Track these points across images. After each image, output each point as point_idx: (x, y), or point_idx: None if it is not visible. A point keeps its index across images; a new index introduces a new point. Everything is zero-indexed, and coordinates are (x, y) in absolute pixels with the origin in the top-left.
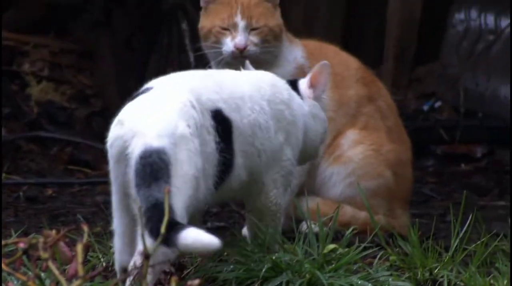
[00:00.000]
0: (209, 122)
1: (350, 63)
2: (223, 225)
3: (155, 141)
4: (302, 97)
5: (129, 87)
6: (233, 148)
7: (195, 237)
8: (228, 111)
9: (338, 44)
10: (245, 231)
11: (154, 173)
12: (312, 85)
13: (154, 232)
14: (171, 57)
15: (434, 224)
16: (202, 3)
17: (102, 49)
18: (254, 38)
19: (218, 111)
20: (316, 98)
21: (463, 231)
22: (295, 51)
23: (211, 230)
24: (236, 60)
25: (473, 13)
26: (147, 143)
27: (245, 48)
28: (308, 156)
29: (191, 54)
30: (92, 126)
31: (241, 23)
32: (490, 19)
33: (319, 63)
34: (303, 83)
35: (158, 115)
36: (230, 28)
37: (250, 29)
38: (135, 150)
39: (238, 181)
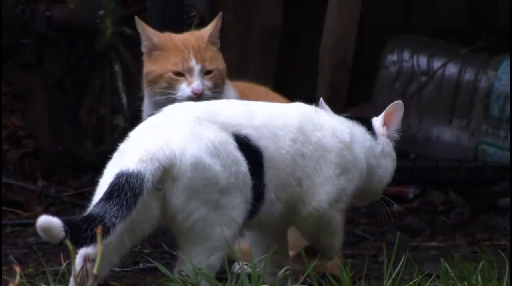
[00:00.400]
0: (233, 144)
1: (280, 102)
2: (155, 266)
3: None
4: (376, 136)
5: (61, 129)
6: (263, 177)
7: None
8: (257, 139)
9: (270, 86)
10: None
11: (112, 192)
12: (385, 123)
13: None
14: (104, 99)
15: (366, 264)
16: (144, 49)
17: (35, 91)
18: (208, 83)
19: (242, 137)
20: (390, 136)
21: (395, 272)
22: (228, 92)
23: (144, 271)
24: None
25: (406, 55)
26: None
27: (202, 93)
28: (373, 195)
29: (123, 96)
30: (24, 167)
31: (196, 67)
32: (423, 61)
33: (393, 102)
34: (376, 121)
35: (147, 139)
36: (185, 72)
37: (204, 73)
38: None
39: (270, 214)
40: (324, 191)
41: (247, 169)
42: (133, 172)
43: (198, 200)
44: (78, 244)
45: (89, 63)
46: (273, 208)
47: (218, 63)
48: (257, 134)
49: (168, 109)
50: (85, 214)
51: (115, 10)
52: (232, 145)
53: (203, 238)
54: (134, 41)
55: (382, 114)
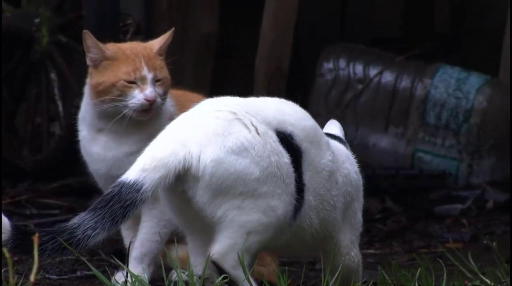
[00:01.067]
0: (274, 137)
1: None
2: (92, 273)
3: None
4: None
5: None
6: (302, 176)
7: None
8: (300, 140)
9: (207, 94)
10: (117, 278)
11: (100, 203)
12: None
13: None
14: (40, 106)
15: (304, 271)
16: (89, 62)
17: None
18: (159, 90)
19: (286, 134)
20: None
21: (332, 280)
22: (166, 101)
23: (82, 278)
24: (143, 114)
25: (342, 63)
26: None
27: (155, 100)
28: None
29: (60, 104)
30: None
31: (149, 76)
32: (359, 69)
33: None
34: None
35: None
36: (138, 81)
37: (155, 81)
38: None
39: (309, 226)
40: (348, 236)
41: (289, 161)
42: (130, 181)
43: (227, 195)
44: (23, 253)
45: (25, 71)
46: (312, 215)
47: (165, 72)
48: (302, 136)
49: (205, 103)
50: (63, 224)
51: (51, 18)
52: (272, 137)
53: (238, 225)
54: (70, 49)
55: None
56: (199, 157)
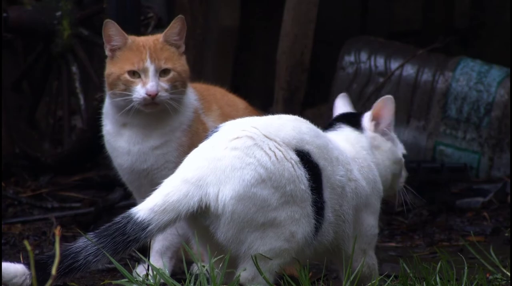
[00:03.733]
0: (294, 158)
1: (237, 103)
2: (114, 266)
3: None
4: (362, 130)
5: (18, 130)
6: (322, 193)
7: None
8: (317, 157)
9: (228, 87)
10: (138, 271)
11: (108, 230)
12: (374, 118)
13: None
14: (61, 100)
15: (325, 265)
16: (107, 52)
17: None
18: (164, 84)
19: (305, 153)
20: (380, 131)
21: (354, 273)
22: (189, 94)
23: (103, 271)
24: (147, 107)
25: (363, 56)
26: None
27: (156, 94)
28: (389, 191)
29: (81, 97)
30: None
31: (151, 67)
32: (380, 62)
33: (382, 97)
34: (366, 117)
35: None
36: (141, 73)
37: (159, 72)
38: None
39: (327, 241)
40: (357, 246)
41: (306, 185)
42: (138, 218)
43: (249, 228)
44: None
45: (46, 64)
46: (330, 230)
47: (176, 64)
48: (318, 153)
49: (224, 129)
50: (68, 246)
51: (72, 12)
52: (290, 162)
53: (262, 253)
54: (91, 42)
55: (371, 110)
56: (217, 196)
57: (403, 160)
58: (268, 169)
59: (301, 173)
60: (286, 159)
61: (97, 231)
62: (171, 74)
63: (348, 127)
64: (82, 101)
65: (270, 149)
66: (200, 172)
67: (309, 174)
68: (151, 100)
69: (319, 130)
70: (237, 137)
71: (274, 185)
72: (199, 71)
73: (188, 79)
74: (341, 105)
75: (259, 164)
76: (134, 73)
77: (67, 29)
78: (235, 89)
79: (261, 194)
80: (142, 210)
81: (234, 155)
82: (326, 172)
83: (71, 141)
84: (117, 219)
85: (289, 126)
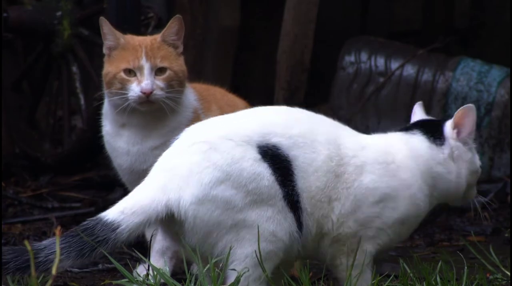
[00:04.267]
0: (254, 156)
1: (237, 103)
2: (114, 266)
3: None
4: (444, 140)
5: (18, 130)
6: (294, 185)
7: None
8: (287, 148)
9: (228, 87)
10: (138, 271)
11: (76, 231)
12: (456, 126)
13: None
14: (61, 100)
15: (325, 265)
16: (105, 51)
17: None
18: (159, 83)
19: (270, 147)
20: (462, 140)
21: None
22: (189, 95)
23: (103, 271)
24: (143, 106)
25: (364, 56)
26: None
27: (151, 92)
28: (457, 200)
29: (81, 97)
30: None
31: (146, 65)
32: (381, 62)
33: (463, 106)
34: (448, 125)
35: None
36: (136, 71)
37: (155, 70)
38: None
39: (309, 233)
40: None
41: (271, 181)
42: (107, 220)
43: (219, 231)
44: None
45: (46, 64)
46: (309, 221)
47: (173, 63)
48: (289, 144)
49: (184, 134)
50: (34, 244)
51: (72, 11)
52: (249, 161)
53: (244, 256)
54: (91, 42)
55: (452, 118)
56: (179, 202)
57: (480, 170)
58: (224, 170)
59: (261, 170)
60: (244, 158)
61: (66, 232)
62: (167, 73)
63: (421, 134)
64: (82, 101)
65: (226, 150)
66: (163, 178)
67: (275, 168)
68: (146, 98)
69: (301, 119)
70: (193, 143)
71: (234, 185)
72: (199, 71)
73: (186, 80)
74: (419, 113)
75: (215, 167)
76: (130, 72)
77: (67, 29)
78: (235, 89)
79: (222, 196)
80: (112, 212)
81: (191, 160)
82: (298, 161)
83: (71, 141)
84: (86, 221)
85: (256, 122)
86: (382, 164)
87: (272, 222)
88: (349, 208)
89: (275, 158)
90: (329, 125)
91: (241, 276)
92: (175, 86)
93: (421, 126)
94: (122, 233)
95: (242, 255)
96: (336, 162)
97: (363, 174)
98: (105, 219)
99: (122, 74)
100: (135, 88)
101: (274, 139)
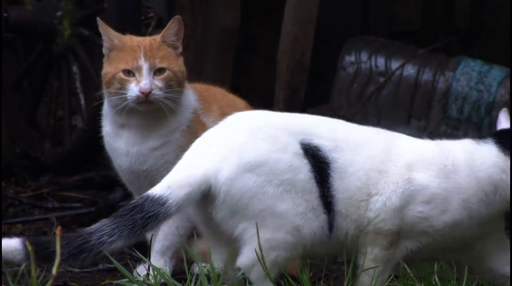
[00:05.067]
0: (292, 152)
1: (237, 103)
2: (114, 266)
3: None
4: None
5: (19, 130)
6: (330, 187)
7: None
8: (328, 150)
9: (228, 87)
10: (139, 271)
11: (125, 211)
12: None
13: None
14: (62, 100)
15: (325, 265)
16: (104, 51)
17: None
18: (158, 83)
19: (312, 147)
20: None
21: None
22: (188, 95)
23: (103, 271)
24: (142, 106)
25: (364, 56)
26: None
27: (150, 92)
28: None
29: (81, 97)
30: None
31: (145, 65)
32: (381, 62)
33: None
34: None
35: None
36: (135, 71)
37: (154, 71)
38: None
39: (345, 235)
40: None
41: (308, 176)
42: (155, 196)
43: (246, 213)
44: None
45: (47, 64)
46: (345, 223)
47: (172, 64)
48: (331, 147)
49: (233, 116)
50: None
51: (72, 11)
52: (289, 153)
53: (262, 241)
54: (92, 42)
55: None
56: (217, 176)
57: None
58: (263, 155)
59: (299, 164)
60: (285, 149)
61: (114, 214)
62: (166, 73)
63: (494, 142)
64: (82, 101)
65: (269, 138)
66: (206, 153)
67: (314, 166)
68: (145, 98)
69: (344, 127)
70: (239, 126)
71: (271, 172)
72: (199, 71)
73: (185, 80)
74: (504, 121)
75: (255, 150)
76: (129, 72)
77: (68, 29)
78: (235, 89)
79: (256, 179)
80: (158, 188)
81: (235, 140)
82: (341, 161)
83: (71, 141)
84: (133, 200)
85: (303, 122)
86: (437, 164)
87: (301, 218)
88: (395, 202)
89: (315, 157)
90: (381, 133)
91: (253, 256)
92: (174, 87)
93: (497, 135)
94: (170, 207)
95: (262, 239)
96: (380, 160)
97: (414, 171)
98: (152, 195)
99: (121, 75)
100: (134, 88)
101: (317, 141)
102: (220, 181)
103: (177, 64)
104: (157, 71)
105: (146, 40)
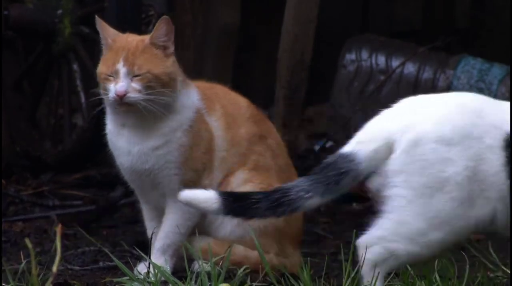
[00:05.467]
0: (487, 143)
1: (239, 102)
2: (115, 264)
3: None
4: None
5: (19, 129)
6: None
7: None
8: None
9: (228, 86)
10: (139, 269)
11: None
12: None
13: None
14: (62, 98)
15: (326, 263)
16: (103, 49)
17: None
18: (136, 85)
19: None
20: None
21: (355, 270)
22: (191, 95)
23: (104, 269)
24: (120, 106)
25: (364, 54)
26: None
27: (125, 94)
28: None
29: (82, 95)
30: None
31: (122, 70)
32: (381, 60)
33: None
34: None
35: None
36: (113, 75)
37: (132, 76)
38: None
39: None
40: None
41: (494, 170)
42: (345, 153)
43: (410, 180)
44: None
45: (47, 63)
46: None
47: (155, 67)
48: None
49: (446, 94)
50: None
51: (73, 10)
52: (486, 141)
53: (399, 220)
54: (92, 41)
55: None
56: (401, 135)
57: None
58: (458, 134)
59: (491, 156)
60: (482, 137)
61: (308, 174)
62: (145, 75)
63: None
64: (83, 100)
65: (471, 121)
66: (397, 116)
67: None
68: (120, 100)
69: None
70: (437, 101)
71: (458, 154)
72: (199, 71)
73: (174, 81)
74: None
75: (452, 127)
76: (109, 75)
77: (68, 28)
78: (236, 88)
79: (440, 156)
80: (348, 145)
81: (433, 110)
82: None
83: (71, 140)
84: (325, 159)
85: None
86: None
87: (448, 212)
88: None
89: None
90: None
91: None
92: (156, 88)
93: None
94: (361, 162)
95: (406, 218)
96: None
97: None
98: (343, 152)
99: (104, 75)
100: (112, 89)
101: None
102: (405, 139)
103: (163, 66)
104: (135, 75)
105: (134, 42)
